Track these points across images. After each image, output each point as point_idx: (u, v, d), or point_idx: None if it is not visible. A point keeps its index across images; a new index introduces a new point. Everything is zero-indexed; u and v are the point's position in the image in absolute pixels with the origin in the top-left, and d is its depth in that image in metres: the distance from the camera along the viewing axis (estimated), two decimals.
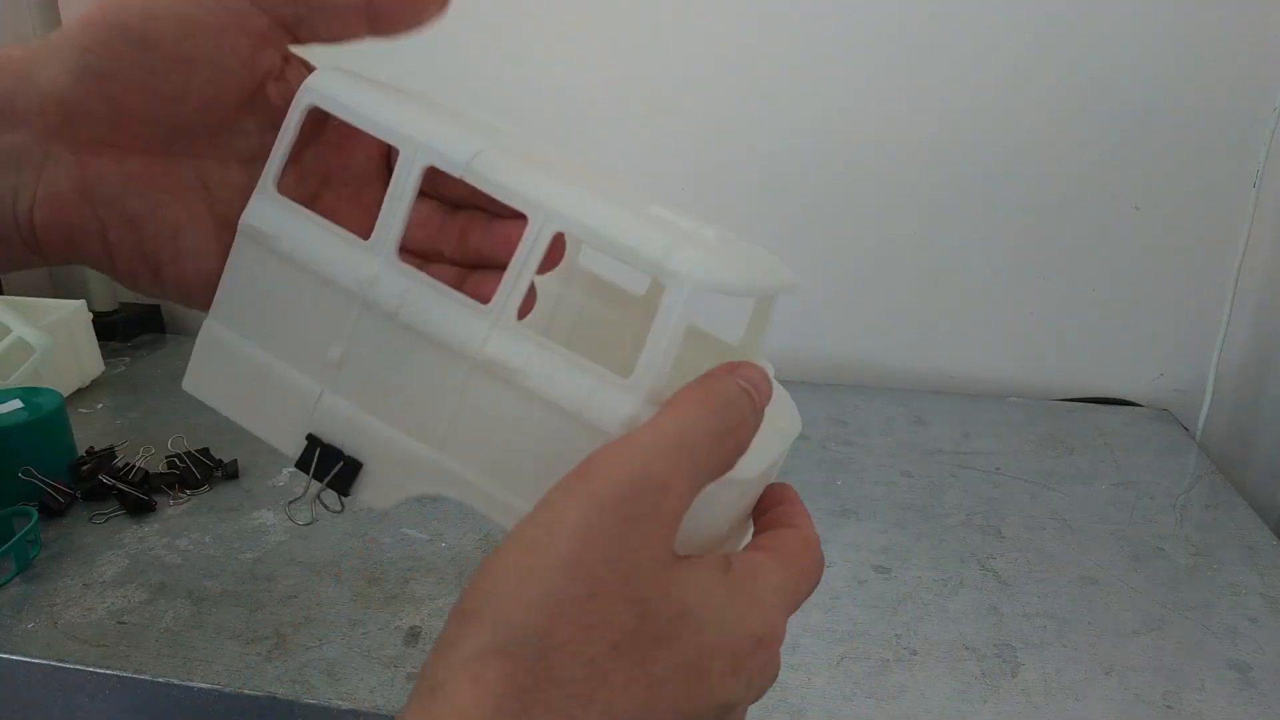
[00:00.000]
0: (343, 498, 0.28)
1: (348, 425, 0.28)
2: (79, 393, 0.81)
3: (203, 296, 0.30)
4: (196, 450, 0.66)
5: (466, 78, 0.86)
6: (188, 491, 0.63)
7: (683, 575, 0.25)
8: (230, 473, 0.65)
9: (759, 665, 0.26)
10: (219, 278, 0.30)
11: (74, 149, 0.28)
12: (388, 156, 0.32)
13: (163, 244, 0.29)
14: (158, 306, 0.99)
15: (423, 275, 0.27)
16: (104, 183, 0.29)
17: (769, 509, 0.31)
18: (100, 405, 0.79)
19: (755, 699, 0.27)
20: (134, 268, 0.30)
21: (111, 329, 0.93)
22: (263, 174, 0.29)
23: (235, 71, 0.29)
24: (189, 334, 0.99)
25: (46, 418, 0.61)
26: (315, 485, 0.28)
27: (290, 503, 0.62)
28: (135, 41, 0.27)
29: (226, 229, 0.30)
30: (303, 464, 0.28)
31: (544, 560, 0.23)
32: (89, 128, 0.28)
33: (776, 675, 0.27)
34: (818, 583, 0.29)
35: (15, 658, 0.47)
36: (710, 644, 0.25)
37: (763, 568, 0.27)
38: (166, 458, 0.66)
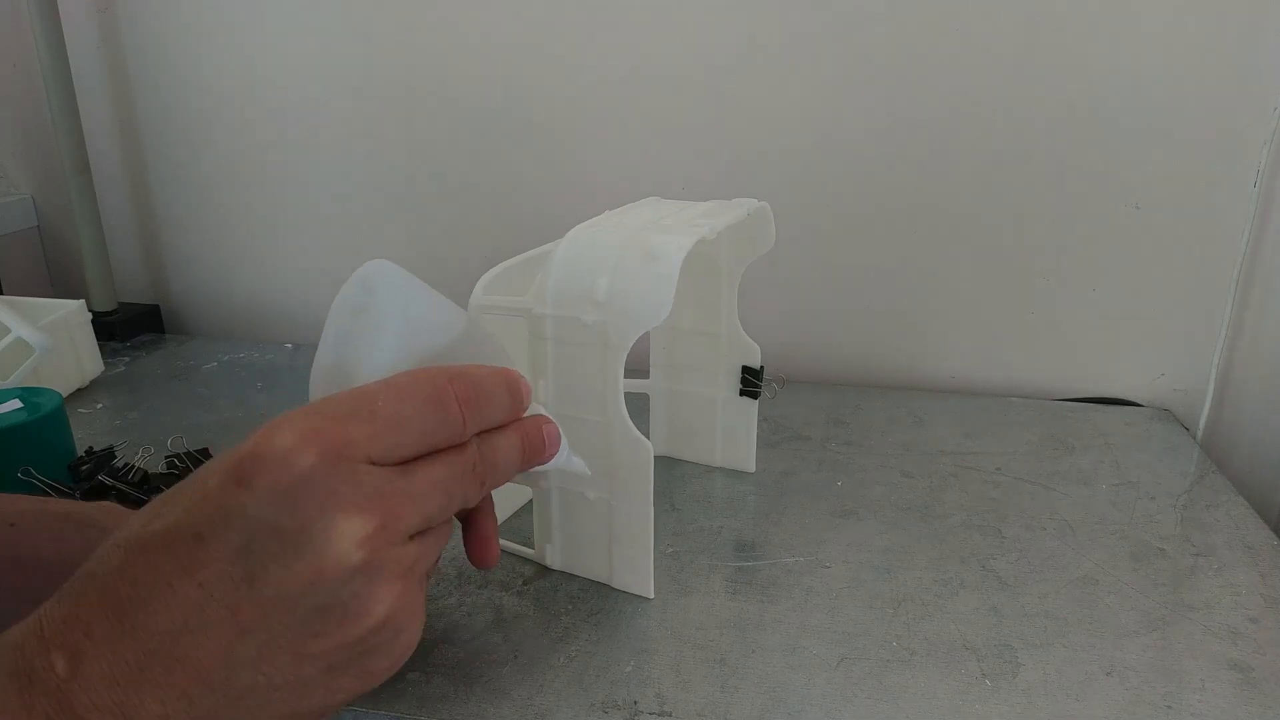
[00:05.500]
0: None
1: None
2: (78, 393, 0.81)
3: None
4: (196, 450, 0.66)
5: (470, 77, 0.86)
6: None
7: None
8: None
9: (258, 467, 0.27)
10: None
11: None
12: None
13: None
14: (157, 306, 0.99)
15: None
16: None
17: None
18: (100, 405, 0.79)
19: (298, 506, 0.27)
20: None
21: (111, 329, 0.93)
22: None
23: None
24: (188, 334, 0.99)
25: (46, 418, 0.61)
26: None
27: None
28: None
29: None
30: None
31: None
32: None
33: (315, 479, 0.27)
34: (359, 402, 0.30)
35: None
36: (204, 471, 0.29)
37: None
38: (166, 458, 0.66)
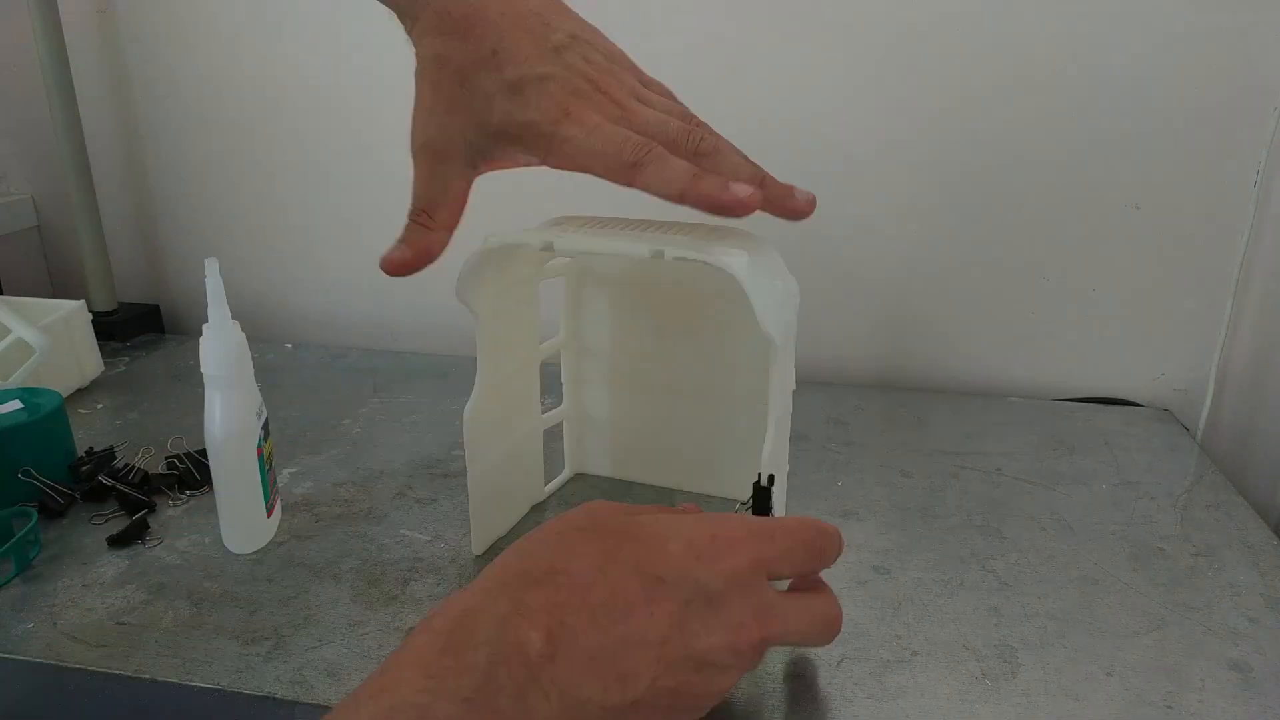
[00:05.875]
0: None
1: None
2: (78, 393, 0.81)
3: None
4: (196, 451, 0.66)
5: None
6: (187, 492, 0.63)
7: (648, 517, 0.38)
8: None
9: (715, 553, 0.36)
10: None
11: None
12: None
13: None
14: (157, 306, 0.99)
15: None
16: None
17: None
18: (100, 405, 0.79)
19: (728, 589, 0.35)
20: None
21: (111, 329, 0.93)
22: None
23: None
24: (188, 334, 0.99)
25: (46, 418, 0.61)
26: None
27: None
28: None
29: None
30: None
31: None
32: None
33: (752, 574, 0.37)
34: (807, 541, 0.40)
35: (15, 657, 0.47)
36: (665, 530, 0.37)
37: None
38: (166, 458, 0.66)
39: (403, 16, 0.45)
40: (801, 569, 0.40)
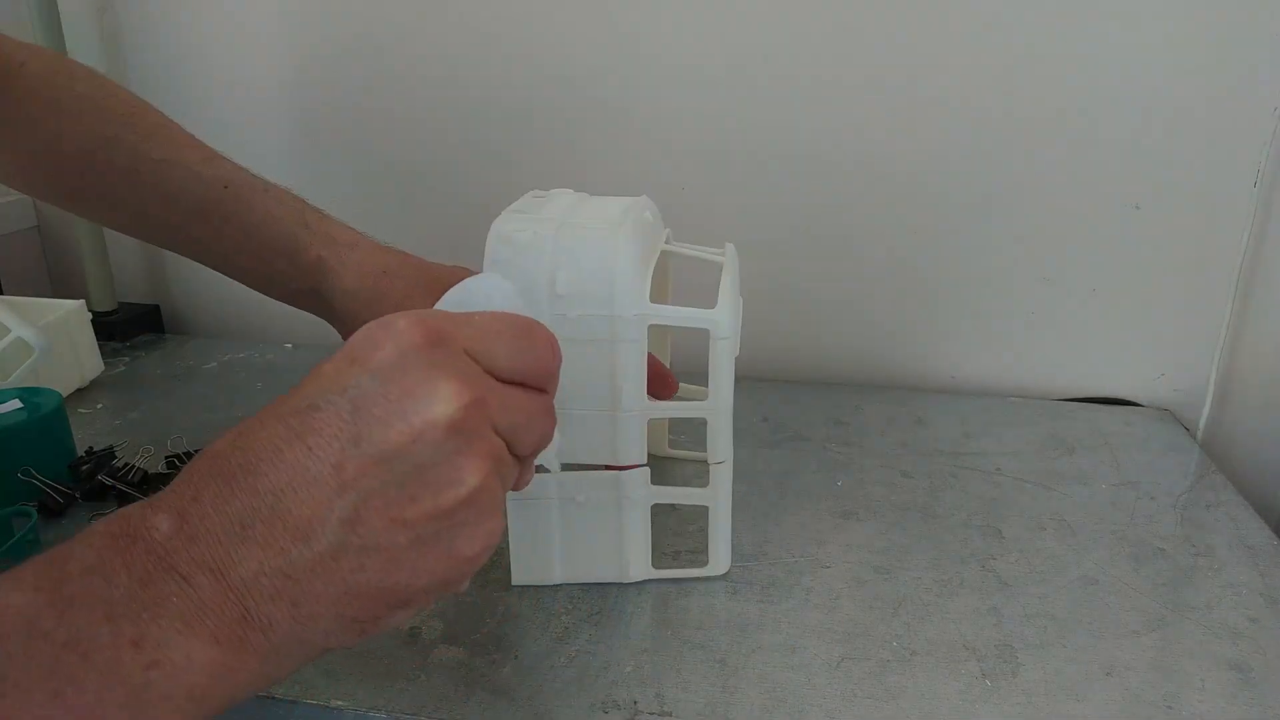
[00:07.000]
0: None
1: None
2: (78, 393, 0.81)
3: None
4: (196, 450, 0.66)
5: (485, 73, 0.86)
6: None
7: None
8: None
9: (374, 346, 0.29)
10: None
11: None
12: None
13: None
14: (157, 306, 0.99)
15: None
16: None
17: None
18: (100, 405, 0.78)
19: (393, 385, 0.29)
20: None
21: (111, 329, 0.93)
22: None
23: None
24: (188, 334, 0.99)
25: (46, 418, 0.61)
26: None
27: None
28: None
29: None
30: None
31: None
32: None
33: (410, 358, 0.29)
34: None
35: None
36: (321, 363, 0.31)
37: None
38: (166, 458, 0.66)
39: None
40: (520, 362, 0.32)
